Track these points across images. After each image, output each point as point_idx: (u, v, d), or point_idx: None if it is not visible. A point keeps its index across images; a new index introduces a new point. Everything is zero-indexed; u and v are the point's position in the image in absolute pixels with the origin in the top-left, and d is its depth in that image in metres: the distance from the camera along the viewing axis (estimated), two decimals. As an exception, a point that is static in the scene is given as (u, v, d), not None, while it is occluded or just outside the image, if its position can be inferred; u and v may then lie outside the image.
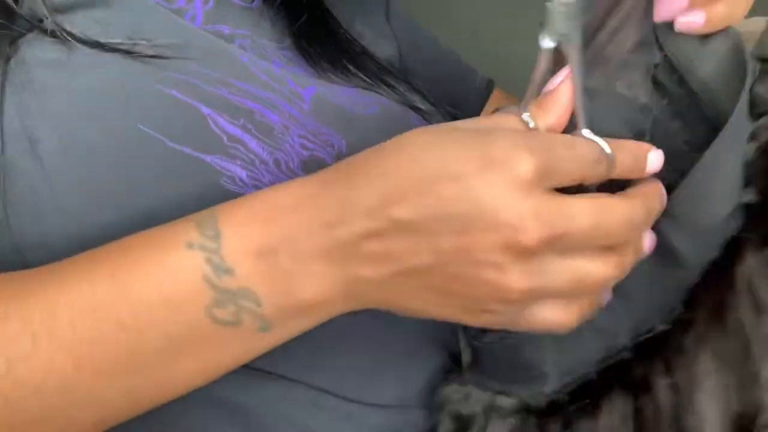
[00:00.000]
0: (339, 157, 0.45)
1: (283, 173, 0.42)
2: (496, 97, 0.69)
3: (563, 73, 0.38)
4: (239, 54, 0.47)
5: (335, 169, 0.36)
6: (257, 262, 0.33)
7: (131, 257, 0.34)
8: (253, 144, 0.41)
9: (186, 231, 0.34)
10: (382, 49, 0.60)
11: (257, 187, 0.41)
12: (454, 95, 0.65)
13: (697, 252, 0.40)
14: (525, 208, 0.31)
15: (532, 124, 0.36)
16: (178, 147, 0.39)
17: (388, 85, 0.55)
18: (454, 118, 0.58)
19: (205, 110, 0.41)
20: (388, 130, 0.47)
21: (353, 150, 0.44)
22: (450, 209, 0.32)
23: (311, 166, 0.43)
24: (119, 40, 0.42)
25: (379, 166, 0.34)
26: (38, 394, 0.32)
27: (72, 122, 0.39)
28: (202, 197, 0.38)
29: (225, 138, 0.41)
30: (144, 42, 0.42)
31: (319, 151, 0.45)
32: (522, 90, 0.38)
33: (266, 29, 0.52)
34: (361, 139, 0.46)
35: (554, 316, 0.35)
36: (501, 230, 0.31)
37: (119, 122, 0.39)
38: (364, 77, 0.53)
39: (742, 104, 0.39)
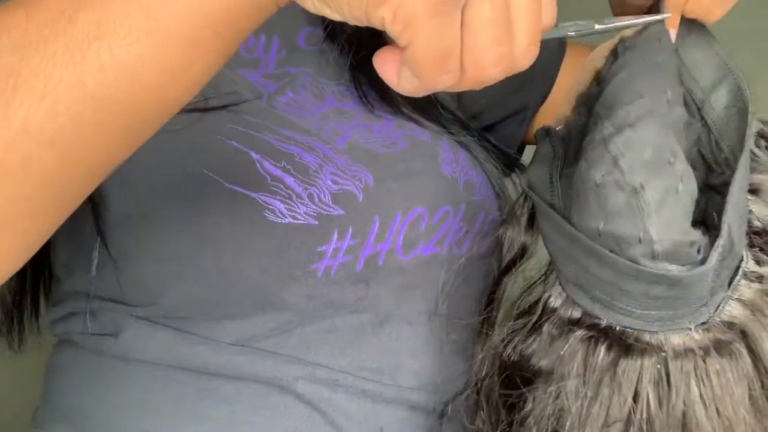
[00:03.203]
0: (367, 189, 0.50)
1: (315, 205, 0.48)
2: (571, 54, 0.66)
3: None
4: (286, 102, 0.53)
5: None
6: None
7: None
8: (290, 182, 0.48)
9: None
10: None
11: (294, 218, 0.47)
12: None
13: None
14: None
15: None
16: (233, 187, 0.47)
17: (431, 116, 0.58)
18: (492, 144, 0.60)
19: (254, 156, 0.48)
20: (414, 162, 0.53)
21: (380, 182, 0.51)
22: None
23: (341, 197, 0.49)
24: (196, 98, 0.49)
25: None
26: None
27: (155, 165, 0.47)
28: (250, 226, 0.47)
29: (269, 178, 0.48)
30: (214, 96, 0.49)
31: (348, 185, 0.50)
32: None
33: (327, 68, 0.58)
34: (387, 172, 0.51)
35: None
36: None
37: (189, 167, 0.47)
38: (408, 110, 0.57)
39: (746, 152, 0.42)
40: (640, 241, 0.37)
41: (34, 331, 0.59)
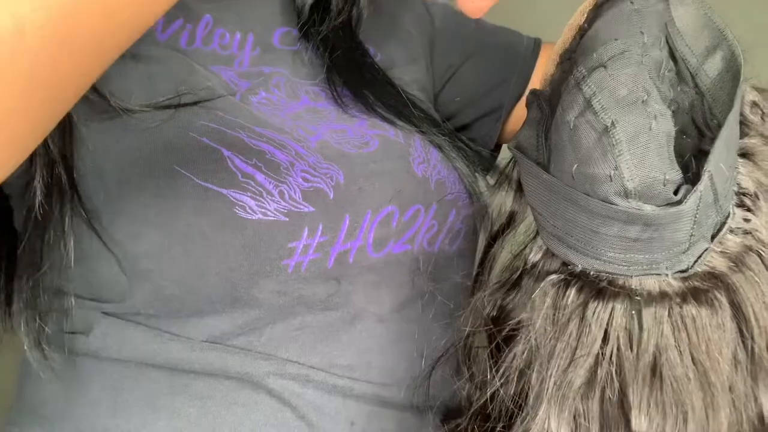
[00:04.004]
0: (337, 187, 0.51)
1: (285, 202, 0.49)
2: (546, 53, 0.68)
3: None
4: (259, 101, 0.54)
5: None
6: None
7: None
8: (261, 179, 0.49)
9: None
10: (411, 70, 0.65)
11: (264, 214, 0.48)
12: (504, 63, 0.67)
13: None
14: None
15: None
16: (203, 183, 0.48)
17: (404, 115, 0.59)
18: (465, 143, 0.61)
19: (226, 153, 0.49)
20: (386, 162, 0.54)
21: (351, 181, 0.52)
22: None
23: (310, 195, 0.50)
24: (168, 95, 0.50)
25: None
26: None
27: (127, 161, 0.48)
28: (220, 222, 0.47)
29: (239, 175, 0.48)
30: (187, 93, 0.51)
31: (319, 183, 0.50)
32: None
33: (302, 68, 0.59)
34: (358, 171, 0.52)
35: None
36: None
37: (161, 163, 0.48)
38: (382, 110, 0.58)
39: (736, 109, 0.41)
40: (611, 179, 0.37)
41: (9, 331, 0.57)
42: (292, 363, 0.49)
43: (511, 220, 0.47)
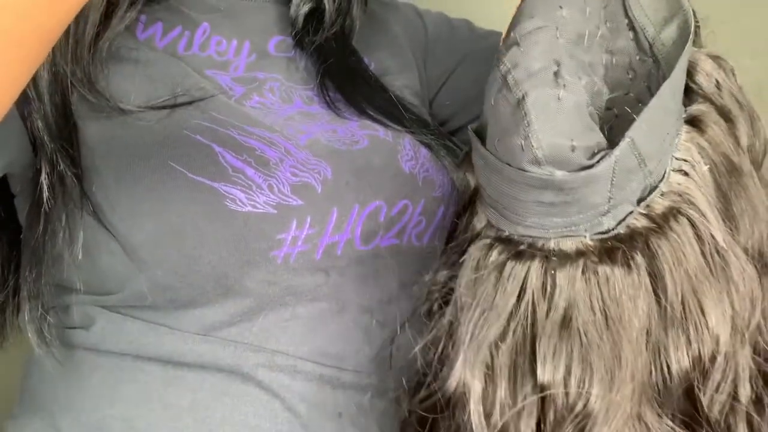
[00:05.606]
0: (325, 181, 0.53)
1: (274, 194, 0.51)
2: None
3: None
4: (253, 106, 0.57)
5: None
6: None
7: None
8: (251, 173, 0.51)
9: None
10: (404, 77, 0.67)
11: (254, 206, 0.50)
12: None
13: None
14: None
15: None
16: (196, 177, 0.50)
17: (394, 117, 0.61)
18: (454, 145, 0.63)
19: (217, 149, 0.51)
20: (374, 158, 0.56)
21: (339, 176, 0.54)
22: None
23: (299, 189, 0.52)
24: (165, 96, 0.53)
25: None
26: None
27: (124, 158, 0.51)
28: (211, 214, 0.50)
29: (230, 169, 0.51)
30: (183, 94, 0.54)
31: (307, 177, 0.53)
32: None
33: (296, 74, 0.62)
34: (346, 167, 0.54)
35: None
36: None
37: (156, 159, 0.51)
38: (373, 113, 0.60)
39: (675, 75, 0.42)
40: (522, 148, 0.39)
41: (16, 328, 0.59)
42: (281, 354, 0.51)
43: (474, 195, 0.50)
